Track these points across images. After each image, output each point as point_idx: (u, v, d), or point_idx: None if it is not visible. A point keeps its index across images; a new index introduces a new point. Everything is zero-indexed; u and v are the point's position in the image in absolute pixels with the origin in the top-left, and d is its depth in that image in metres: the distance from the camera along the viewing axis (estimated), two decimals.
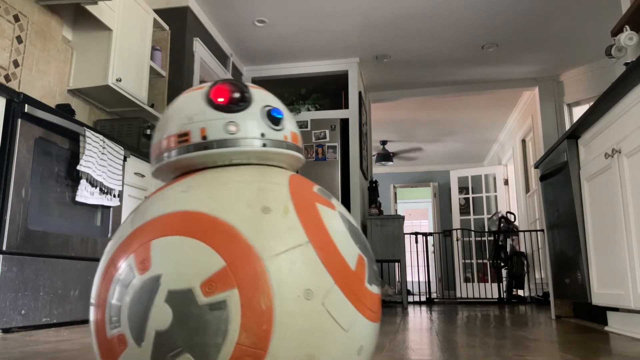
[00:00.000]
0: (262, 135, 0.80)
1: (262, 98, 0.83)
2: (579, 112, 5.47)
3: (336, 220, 0.76)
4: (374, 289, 0.77)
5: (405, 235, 5.35)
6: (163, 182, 0.88)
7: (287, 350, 0.63)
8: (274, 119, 0.82)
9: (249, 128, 0.79)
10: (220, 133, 0.78)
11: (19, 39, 2.79)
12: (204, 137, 0.78)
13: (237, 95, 0.80)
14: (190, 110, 0.80)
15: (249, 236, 0.66)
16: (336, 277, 0.69)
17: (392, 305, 4.94)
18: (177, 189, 0.76)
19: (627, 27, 2.82)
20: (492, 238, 6.62)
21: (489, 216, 7.26)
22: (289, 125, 0.85)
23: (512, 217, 6.54)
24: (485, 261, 7.45)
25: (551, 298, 3.08)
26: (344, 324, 0.69)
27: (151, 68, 3.75)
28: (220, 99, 0.79)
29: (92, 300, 0.73)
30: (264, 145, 0.80)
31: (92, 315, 0.72)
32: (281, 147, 0.82)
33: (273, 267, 0.65)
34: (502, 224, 6.26)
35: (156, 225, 0.70)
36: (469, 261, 7.70)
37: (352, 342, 0.71)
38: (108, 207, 2.66)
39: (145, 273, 0.66)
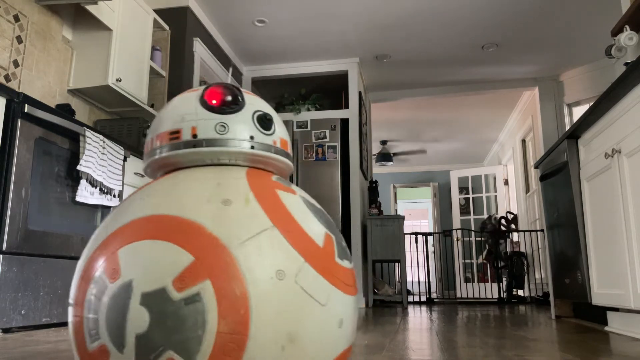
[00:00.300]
0: (251, 137, 0.82)
1: (255, 103, 0.85)
2: (579, 112, 5.47)
3: (298, 204, 0.78)
4: (346, 264, 0.79)
5: (405, 235, 5.36)
6: (152, 178, 0.90)
7: (267, 332, 0.65)
8: (264, 124, 0.84)
9: (239, 130, 0.81)
10: (210, 133, 0.80)
11: (19, 39, 2.79)
12: (194, 136, 0.80)
13: (229, 98, 0.82)
14: (183, 110, 0.82)
15: (213, 229, 0.68)
16: (305, 255, 0.71)
17: (392, 305, 4.94)
18: (137, 197, 0.77)
19: (627, 27, 2.82)
20: (483, 239, 6.68)
21: (487, 216, 7.27)
22: (280, 131, 0.88)
23: (511, 217, 6.54)
24: (485, 261, 7.46)
25: (551, 298, 3.08)
26: (320, 298, 0.71)
27: (151, 68, 3.75)
28: (213, 101, 0.82)
29: (70, 318, 0.73)
30: (252, 147, 0.82)
31: (71, 333, 0.73)
32: (269, 151, 0.84)
33: (241, 254, 0.66)
34: (498, 224, 6.26)
35: (121, 234, 0.71)
36: (469, 261, 7.70)
37: (332, 316, 0.72)
38: (108, 207, 2.66)
39: (117, 281, 0.67)
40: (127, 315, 0.64)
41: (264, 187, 0.77)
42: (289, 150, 0.90)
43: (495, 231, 6.09)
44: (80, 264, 0.76)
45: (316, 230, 0.76)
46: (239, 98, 0.83)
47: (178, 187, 0.75)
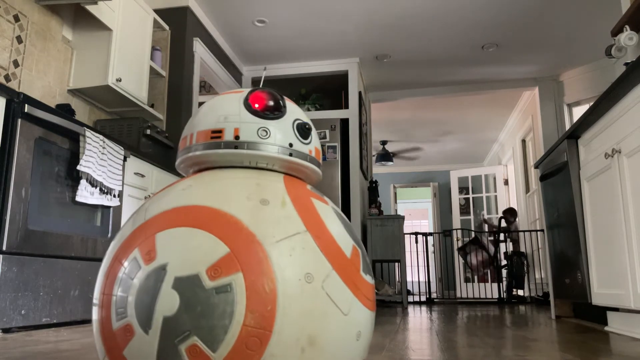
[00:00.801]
0: (290, 145, 0.85)
1: (295, 112, 0.89)
2: (579, 112, 5.47)
3: (330, 213, 0.81)
4: (368, 279, 0.80)
5: (405, 235, 5.36)
6: (184, 174, 0.93)
7: (290, 330, 0.66)
8: (303, 133, 0.87)
9: (280, 136, 0.84)
10: (252, 136, 0.82)
11: (19, 39, 2.79)
12: (237, 137, 0.82)
13: (271, 103, 0.85)
14: (227, 110, 0.84)
15: (250, 225, 0.70)
16: (334, 263, 0.73)
17: (392, 305, 4.94)
18: (177, 187, 0.79)
19: (627, 27, 2.82)
20: (491, 238, 6.62)
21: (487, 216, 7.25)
22: (315, 141, 0.91)
23: (511, 218, 6.54)
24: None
25: (551, 298, 3.08)
26: (343, 307, 0.72)
27: (151, 68, 3.75)
28: (256, 105, 0.84)
29: (95, 301, 0.74)
30: (291, 154, 0.84)
31: (95, 312, 0.74)
32: (305, 159, 0.87)
33: (274, 252, 0.68)
34: (498, 223, 6.26)
35: (159, 220, 0.73)
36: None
37: (351, 327, 0.74)
38: (108, 207, 2.66)
39: (151, 263, 0.68)
40: (158, 297, 0.65)
41: (300, 193, 0.80)
42: (321, 160, 0.93)
43: (507, 230, 6.07)
44: (114, 245, 0.77)
45: (345, 241, 0.78)
46: (281, 104, 0.86)
47: (219, 183, 0.77)
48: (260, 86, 0.91)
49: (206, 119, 0.85)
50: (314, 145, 0.89)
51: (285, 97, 0.89)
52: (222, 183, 0.77)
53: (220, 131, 0.82)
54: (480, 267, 6.34)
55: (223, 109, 0.84)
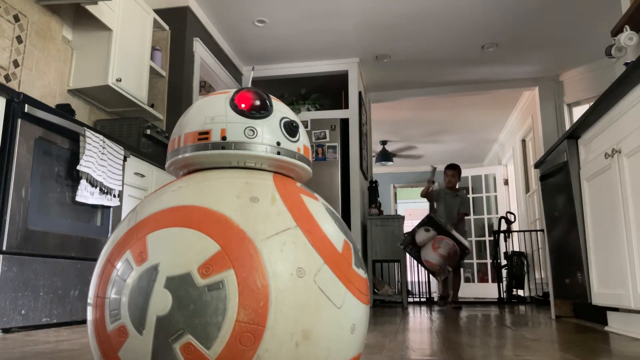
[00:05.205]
0: (278, 143, 0.84)
1: (282, 110, 0.89)
2: (579, 112, 5.47)
3: (320, 209, 0.81)
4: (361, 273, 0.81)
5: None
6: (175, 176, 0.93)
7: (284, 325, 0.66)
8: (291, 131, 0.87)
9: (267, 135, 0.84)
10: (239, 136, 0.82)
11: (19, 39, 2.79)
12: (224, 138, 0.82)
13: (258, 103, 0.85)
14: (213, 111, 0.84)
15: (240, 222, 0.71)
16: (325, 258, 0.73)
17: (392, 305, 4.94)
18: (168, 190, 0.80)
19: (627, 27, 2.82)
20: (492, 238, 6.58)
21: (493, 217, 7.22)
22: (303, 138, 0.91)
23: (512, 217, 6.53)
24: (485, 261, 7.43)
25: (551, 298, 3.08)
26: (336, 301, 0.73)
27: (151, 68, 3.74)
28: (243, 105, 0.84)
29: (90, 301, 0.74)
30: (278, 153, 0.84)
31: (90, 315, 0.74)
32: (293, 157, 0.87)
33: (265, 248, 0.69)
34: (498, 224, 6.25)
35: (150, 221, 0.74)
36: (469, 261, 7.69)
37: (345, 320, 0.74)
38: (108, 207, 2.65)
39: (143, 264, 0.69)
40: (151, 297, 0.66)
41: (290, 190, 0.80)
42: (310, 157, 0.93)
43: (507, 230, 6.05)
44: (106, 248, 0.78)
45: (336, 235, 0.78)
46: (267, 103, 0.86)
47: (208, 183, 0.78)
48: (249, 86, 0.91)
49: (193, 120, 0.85)
50: (302, 143, 0.89)
51: (271, 96, 0.89)
52: (211, 183, 0.78)
53: (207, 132, 0.82)
54: (450, 260, 4.45)
55: (209, 110, 0.84)
